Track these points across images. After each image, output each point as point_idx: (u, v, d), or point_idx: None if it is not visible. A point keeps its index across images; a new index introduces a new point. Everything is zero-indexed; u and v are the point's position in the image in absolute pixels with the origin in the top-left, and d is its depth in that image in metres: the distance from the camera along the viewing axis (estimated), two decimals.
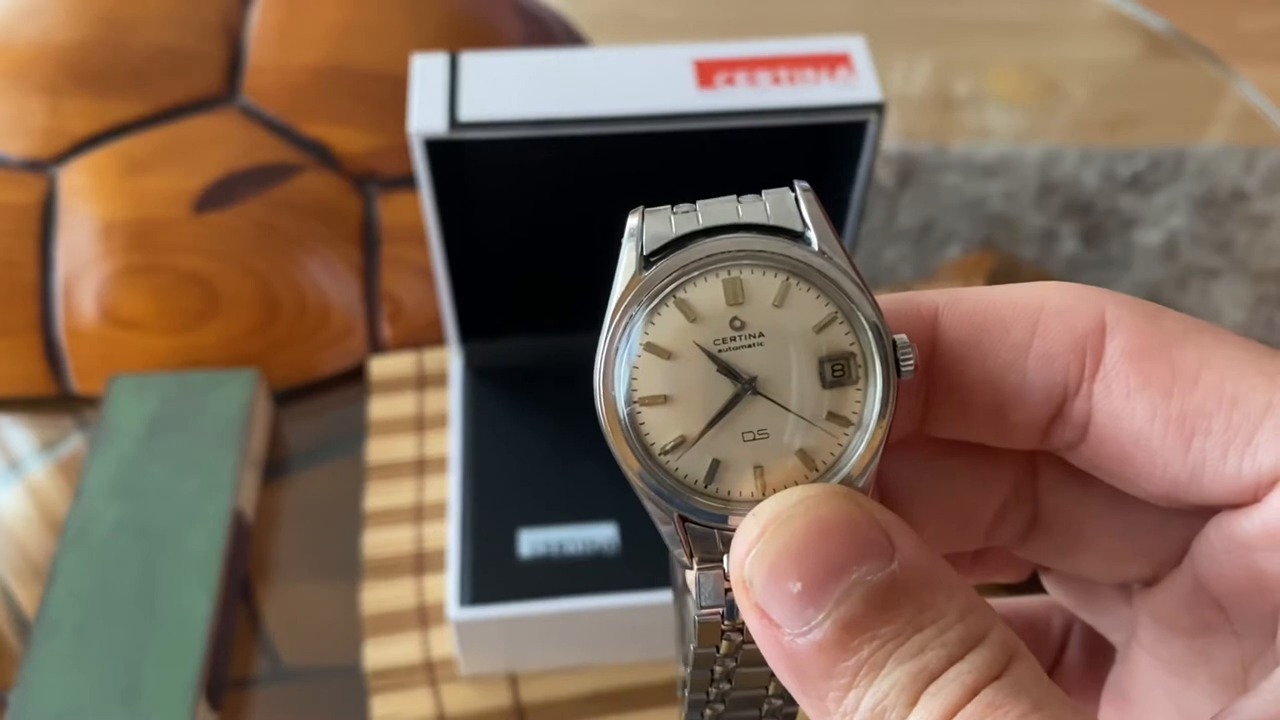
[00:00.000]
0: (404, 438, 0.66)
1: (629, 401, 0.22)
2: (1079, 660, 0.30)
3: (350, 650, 0.58)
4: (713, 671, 0.25)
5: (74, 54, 0.71)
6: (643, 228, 0.23)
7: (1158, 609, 0.26)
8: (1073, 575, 0.28)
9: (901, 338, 0.23)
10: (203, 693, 0.53)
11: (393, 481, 0.64)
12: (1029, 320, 0.23)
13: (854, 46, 0.53)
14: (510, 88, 0.52)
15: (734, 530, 0.22)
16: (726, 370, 0.22)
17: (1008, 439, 0.24)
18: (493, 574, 0.56)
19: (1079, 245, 0.81)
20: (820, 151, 0.57)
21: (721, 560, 0.23)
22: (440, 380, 0.68)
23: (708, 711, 0.27)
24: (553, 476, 0.59)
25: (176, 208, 0.67)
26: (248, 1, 0.76)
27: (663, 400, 0.22)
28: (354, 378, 0.69)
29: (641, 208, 0.23)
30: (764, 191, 0.24)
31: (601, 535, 0.57)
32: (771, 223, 0.23)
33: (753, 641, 0.21)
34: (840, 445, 0.22)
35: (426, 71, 0.52)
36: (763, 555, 0.21)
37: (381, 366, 0.69)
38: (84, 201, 0.67)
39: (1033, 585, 0.30)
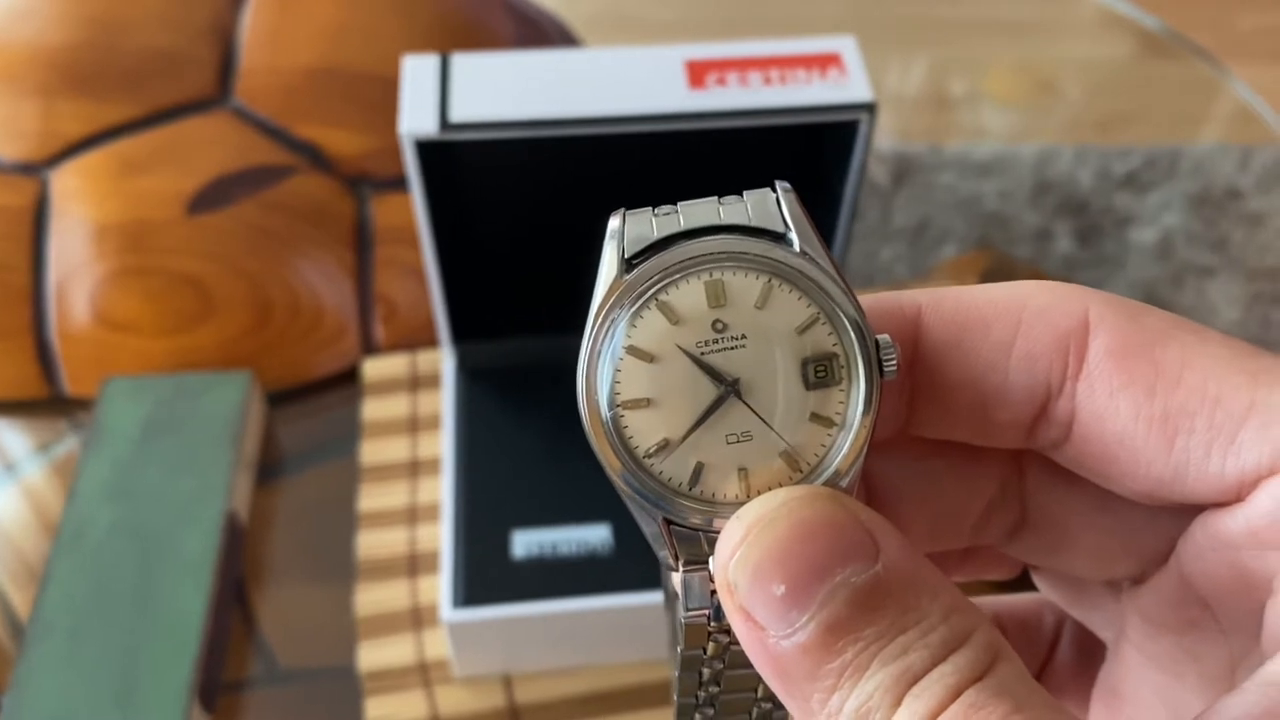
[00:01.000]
0: (397, 439, 0.66)
1: (612, 405, 0.22)
2: (1070, 657, 0.30)
3: (344, 652, 0.58)
4: (701, 674, 0.25)
5: (66, 56, 0.71)
6: (624, 230, 0.23)
7: (1145, 607, 0.26)
8: (1061, 573, 0.28)
9: (884, 338, 0.23)
10: (196, 695, 0.53)
11: (386, 483, 0.64)
12: (1011, 319, 0.23)
13: (845, 46, 0.53)
14: (501, 89, 0.52)
15: (719, 532, 0.22)
16: (709, 372, 0.22)
17: (992, 438, 0.24)
18: (486, 575, 0.55)
19: (1074, 244, 0.81)
20: (812, 151, 0.57)
21: (707, 562, 0.23)
22: (433, 381, 0.68)
23: (697, 716, 0.27)
24: (546, 477, 0.59)
25: (169, 210, 0.67)
26: (240, 3, 0.76)
27: (646, 403, 0.22)
28: (347, 379, 0.69)
29: (623, 209, 0.23)
30: (745, 193, 0.24)
31: (595, 536, 0.57)
32: (753, 224, 0.23)
33: (740, 643, 0.21)
34: (824, 446, 0.22)
35: (417, 73, 0.52)
36: (747, 558, 0.21)
37: (375, 368, 0.69)
38: (77, 204, 0.67)
39: (1025, 583, 0.30)
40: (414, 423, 0.66)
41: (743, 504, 0.22)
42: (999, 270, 0.71)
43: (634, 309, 0.23)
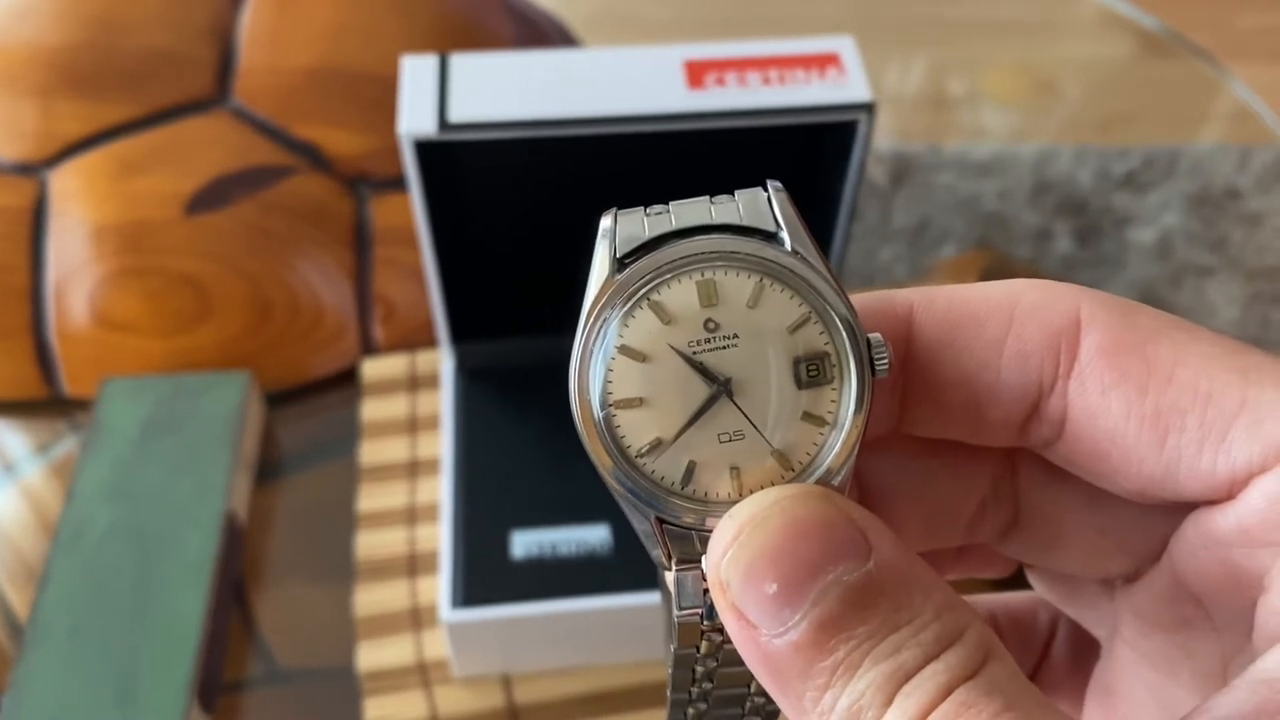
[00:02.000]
0: (397, 439, 0.66)
1: (604, 405, 0.22)
2: (1065, 655, 0.30)
3: (343, 652, 0.58)
4: (694, 671, 0.25)
5: (65, 56, 0.71)
6: (615, 229, 0.23)
7: (1138, 605, 0.26)
8: (1055, 571, 0.28)
9: (876, 336, 0.23)
10: (196, 695, 0.53)
11: (385, 483, 0.64)
12: (1003, 317, 0.23)
13: (843, 46, 0.53)
14: (500, 89, 0.52)
15: (711, 531, 0.22)
16: (701, 372, 0.22)
17: (985, 436, 0.24)
18: (485, 575, 0.55)
19: (1073, 244, 0.81)
20: (811, 151, 0.57)
21: (700, 561, 0.23)
22: (432, 382, 0.68)
23: (690, 711, 0.27)
24: (545, 478, 0.59)
25: (168, 210, 0.67)
26: (239, 3, 0.76)
27: (638, 403, 0.22)
28: (346, 379, 0.69)
29: (614, 209, 0.23)
30: (737, 192, 0.24)
31: (594, 536, 0.57)
32: (744, 223, 0.23)
33: (732, 642, 0.21)
34: (816, 445, 0.22)
35: (416, 73, 0.52)
36: (739, 557, 0.21)
37: (374, 368, 0.69)
38: (75, 204, 0.67)
39: (1019, 581, 0.30)
40: (413, 423, 0.66)
41: (735, 503, 0.22)
42: (998, 270, 0.71)
43: (626, 308, 0.23)
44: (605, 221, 0.23)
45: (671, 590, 0.23)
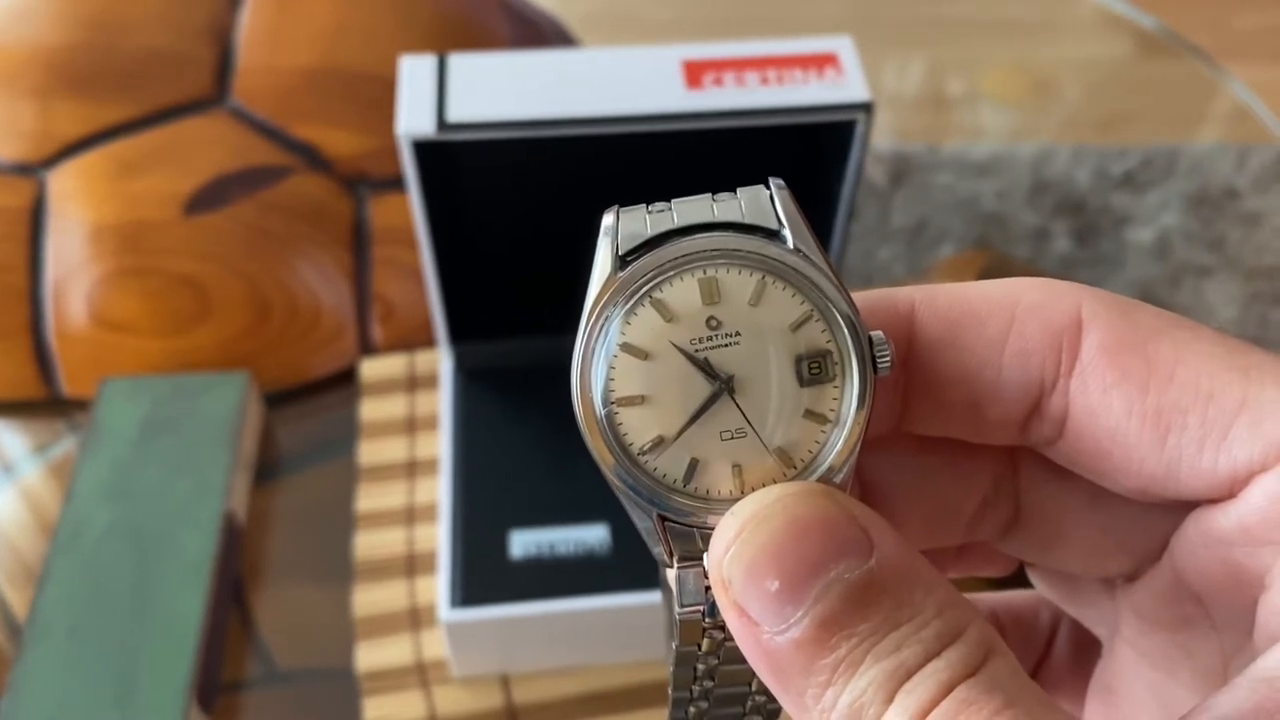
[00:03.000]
0: (395, 439, 0.66)
1: (606, 402, 0.22)
2: (1067, 654, 0.30)
3: (342, 652, 0.58)
4: (695, 669, 0.25)
5: (64, 57, 0.71)
6: (618, 227, 0.23)
7: (1139, 603, 0.26)
8: (1056, 570, 0.28)
9: (878, 334, 0.23)
10: (195, 695, 0.53)
11: (384, 483, 0.64)
12: (1005, 316, 0.23)
13: (842, 46, 0.53)
14: (498, 89, 0.52)
15: (713, 529, 0.22)
16: (703, 370, 0.22)
17: (986, 435, 0.24)
18: (484, 575, 0.55)
19: (1072, 244, 0.81)
20: (809, 151, 0.57)
21: (702, 558, 0.23)
22: (431, 382, 0.68)
23: (692, 709, 0.27)
24: (544, 478, 0.59)
25: (167, 210, 0.67)
26: (237, 3, 0.76)
27: (640, 400, 0.22)
28: (345, 380, 0.69)
29: (616, 206, 0.23)
30: (739, 190, 0.24)
31: (593, 536, 0.57)
32: (746, 221, 0.23)
33: (734, 639, 0.21)
34: (818, 443, 0.22)
35: (415, 73, 0.52)
36: (741, 554, 0.21)
37: (372, 368, 0.69)
38: (74, 205, 0.67)
39: (1021, 579, 0.30)
40: (412, 423, 0.66)
41: (737, 500, 0.22)
42: (996, 269, 0.71)
43: (628, 306, 0.23)
44: (607, 219, 0.23)
45: (673, 587, 0.23)
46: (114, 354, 0.67)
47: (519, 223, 0.61)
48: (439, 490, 0.60)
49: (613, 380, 0.22)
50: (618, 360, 0.22)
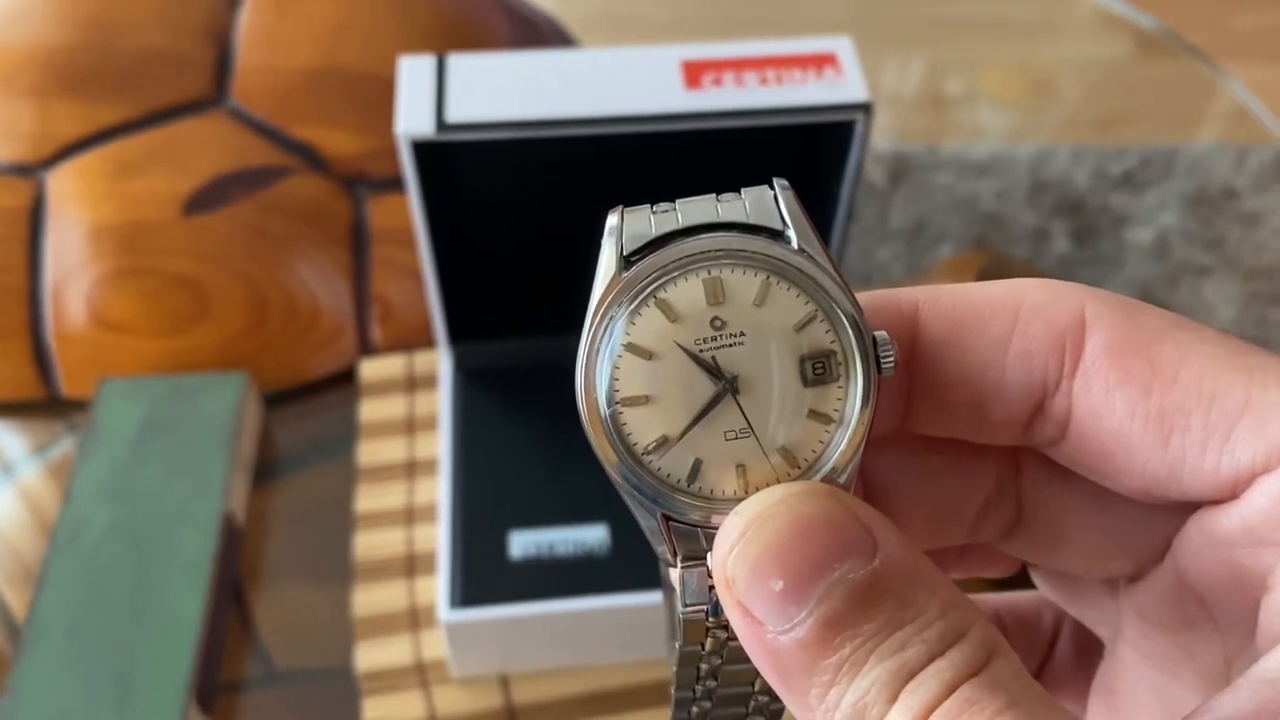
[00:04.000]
0: (394, 440, 0.66)
1: (611, 402, 0.22)
2: (1069, 655, 0.30)
3: (342, 652, 0.58)
4: (699, 669, 0.25)
5: (62, 57, 0.71)
6: (622, 227, 0.23)
7: (1142, 604, 0.26)
8: (1058, 571, 0.28)
9: (882, 335, 0.23)
10: (194, 696, 0.53)
11: (383, 484, 0.64)
12: (1008, 317, 0.23)
13: (841, 46, 0.53)
14: (497, 89, 0.52)
15: (717, 528, 0.22)
16: (708, 370, 0.22)
17: (989, 435, 0.24)
18: (483, 575, 0.55)
19: (1071, 244, 0.81)
20: (809, 151, 0.57)
21: (705, 558, 0.23)
22: (430, 382, 0.68)
23: (694, 709, 0.27)
24: (543, 478, 0.59)
25: (165, 211, 0.67)
26: (236, 3, 0.76)
27: (644, 400, 0.22)
28: (344, 380, 0.69)
29: (621, 207, 0.23)
30: (743, 190, 0.24)
31: (592, 536, 0.57)
32: (751, 221, 0.23)
33: (738, 639, 0.22)
34: (822, 443, 0.23)
35: (414, 73, 0.52)
36: (745, 554, 0.21)
37: (371, 369, 0.69)
38: (73, 205, 0.67)
39: (1023, 580, 0.30)
40: (411, 423, 0.66)
41: (741, 500, 0.22)
42: (995, 270, 0.71)
43: (632, 306, 0.23)
44: (612, 219, 0.23)
45: (677, 587, 0.23)
46: (113, 354, 0.67)
47: (518, 223, 0.61)
48: (438, 490, 0.60)
49: (617, 380, 0.22)
50: (622, 360, 0.22)
